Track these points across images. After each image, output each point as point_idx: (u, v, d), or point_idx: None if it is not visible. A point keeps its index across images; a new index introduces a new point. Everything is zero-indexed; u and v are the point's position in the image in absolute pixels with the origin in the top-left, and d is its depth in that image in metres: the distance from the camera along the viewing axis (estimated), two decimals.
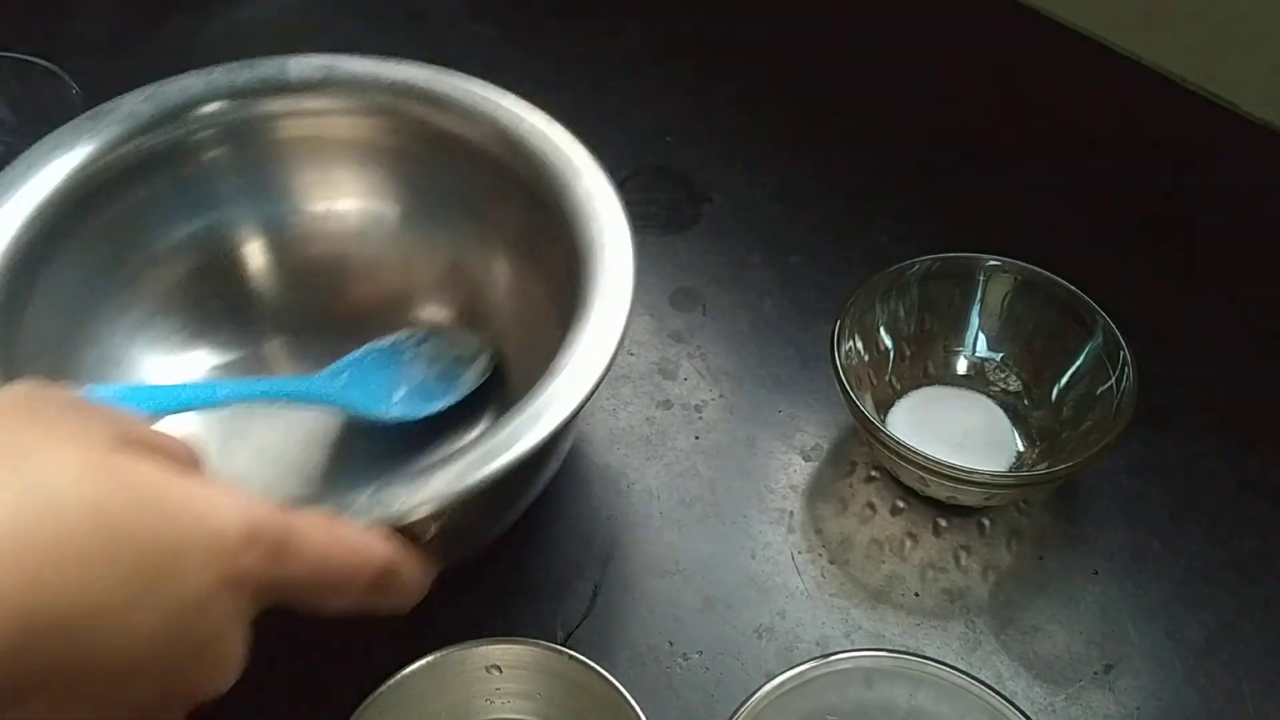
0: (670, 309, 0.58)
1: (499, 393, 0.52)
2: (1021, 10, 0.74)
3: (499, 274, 0.53)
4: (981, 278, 0.53)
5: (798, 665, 0.38)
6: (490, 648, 0.39)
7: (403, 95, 0.50)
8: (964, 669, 0.38)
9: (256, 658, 0.48)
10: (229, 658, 0.28)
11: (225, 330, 0.53)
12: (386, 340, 0.51)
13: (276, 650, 0.47)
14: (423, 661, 0.39)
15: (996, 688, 0.38)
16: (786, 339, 0.57)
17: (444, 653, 0.39)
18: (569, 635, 0.47)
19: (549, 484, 0.49)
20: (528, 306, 0.51)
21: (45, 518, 0.23)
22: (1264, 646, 0.47)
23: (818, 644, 0.47)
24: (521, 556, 0.50)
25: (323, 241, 0.54)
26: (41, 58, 0.60)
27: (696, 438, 0.54)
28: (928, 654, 0.42)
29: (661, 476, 0.52)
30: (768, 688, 0.38)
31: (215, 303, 0.53)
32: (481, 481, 0.37)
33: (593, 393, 0.40)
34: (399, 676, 0.38)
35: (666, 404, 0.54)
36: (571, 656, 0.39)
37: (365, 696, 0.37)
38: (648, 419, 0.54)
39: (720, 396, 0.55)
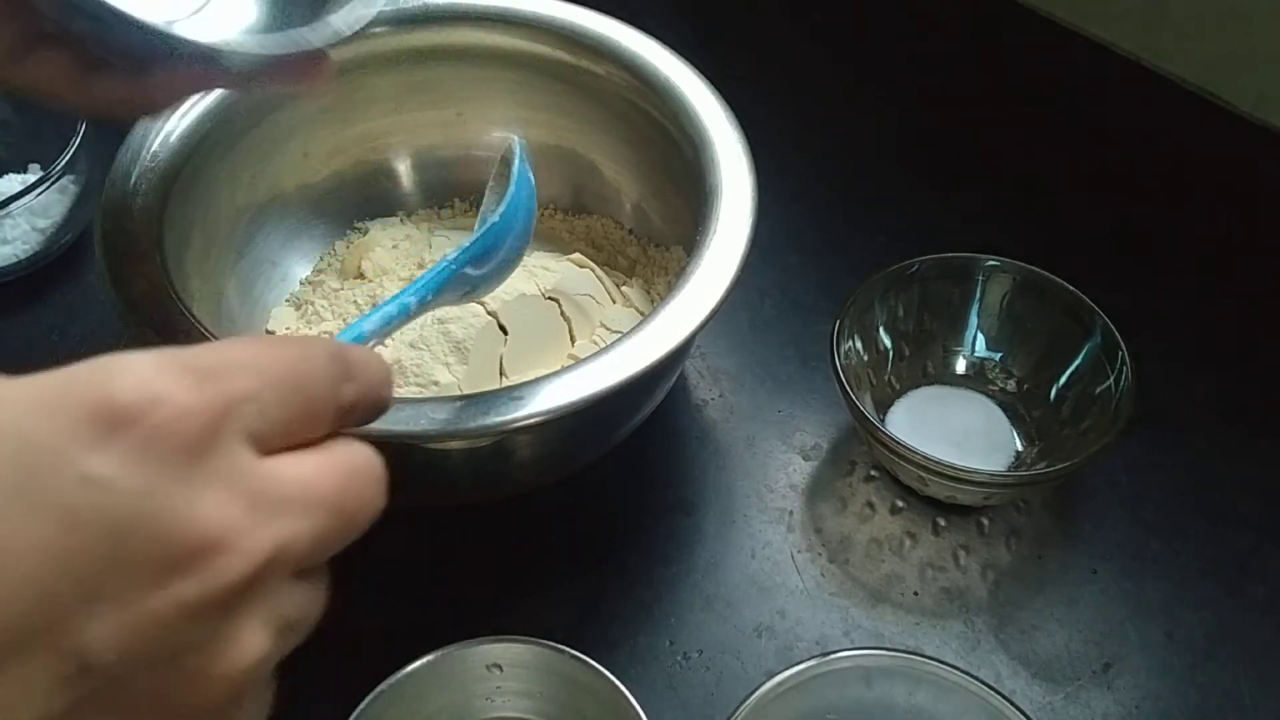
0: None
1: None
2: (1021, 10, 0.74)
3: (623, 197, 0.58)
4: (981, 278, 0.53)
5: (797, 664, 0.38)
6: (491, 646, 0.39)
7: (546, 31, 0.54)
8: (963, 668, 0.38)
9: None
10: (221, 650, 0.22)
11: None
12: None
13: None
14: (424, 660, 0.39)
15: (995, 686, 0.38)
16: (786, 339, 0.57)
17: (445, 651, 0.39)
18: (569, 634, 0.47)
19: (549, 484, 0.49)
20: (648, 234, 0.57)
21: None
22: (1262, 646, 0.47)
23: (817, 643, 0.47)
24: (522, 555, 0.50)
25: (458, 155, 0.59)
26: None
27: (697, 437, 0.54)
28: (927, 653, 0.42)
29: (661, 476, 0.52)
30: (767, 686, 0.38)
31: (359, 203, 0.59)
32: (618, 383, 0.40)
33: (710, 318, 0.42)
34: (400, 675, 0.38)
35: (666, 404, 0.54)
36: (572, 655, 0.39)
37: (366, 694, 0.38)
38: (648, 419, 0.54)
39: (720, 396, 0.55)
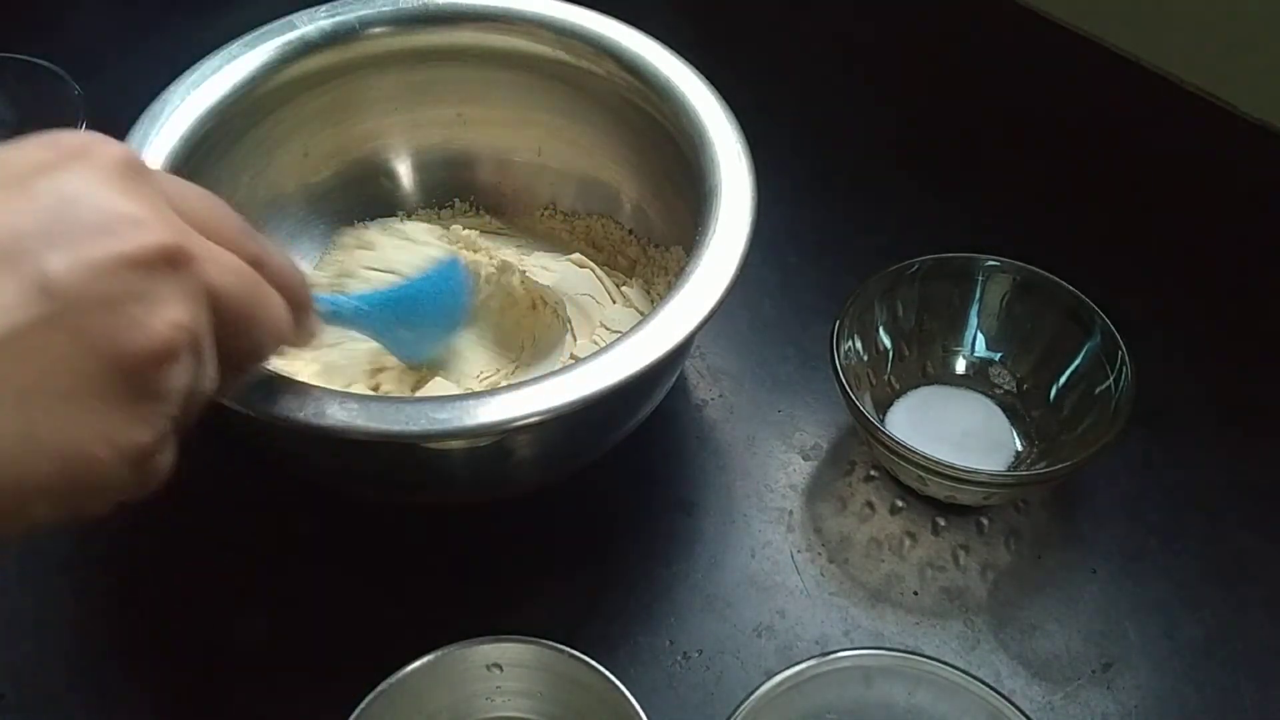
0: None
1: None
2: (1021, 10, 0.74)
3: (623, 197, 0.58)
4: (980, 278, 0.53)
5: (797, 664, 0.38)
6: (491, 646, 0.39)
7: (546, 31, 0.54)
8: (962, 667, 0.38)
9: (258, 654, 0.48)
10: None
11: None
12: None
13: (277, 648, 0.47)
14: (424, 660, 0.39)
15: (995, 686, 0.38)
16: (786, 339, 0.57)
17: (445, 651, 0.39)
18: (569, 634, 0.47)
19: (549, 484, 0.49)
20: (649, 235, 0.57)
21: None
22: (1262, 645, 0.47)
23: (817, 642, 0.47)
24: (522, 555, 0.50)
25: (458, 155, 0.60)
26: (44, 59, 0.61)
27: (696, 437, 0.54)
28: (926, 652, 0.42)
29: (661, 476, 0.52)
30: (767, 686, 0.38)
31: (359, 203, 0.59)
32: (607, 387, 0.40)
33: (708, 318, 0.42)
34: (400, 674, 0.38)
35: (666, 404, 0.54)
36: (572, 655, 0.39)
37: (366, 694, 0.38)
38: (648, 419, 0.54)
39: (720, 396, 0.55)
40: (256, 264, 0.32)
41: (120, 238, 0.27)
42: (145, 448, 0.28)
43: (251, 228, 0.33)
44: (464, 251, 0.55)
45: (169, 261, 0.28)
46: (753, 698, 0.37)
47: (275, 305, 0.33)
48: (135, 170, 0.29)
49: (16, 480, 0.26)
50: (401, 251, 0.55)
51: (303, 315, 0.36)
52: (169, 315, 0.28)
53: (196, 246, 0.29)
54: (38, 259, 0.26)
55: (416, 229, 0.57)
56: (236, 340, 0.31)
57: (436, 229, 0.57)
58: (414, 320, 0.47)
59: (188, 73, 0.50)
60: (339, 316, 0.43)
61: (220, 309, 0.30)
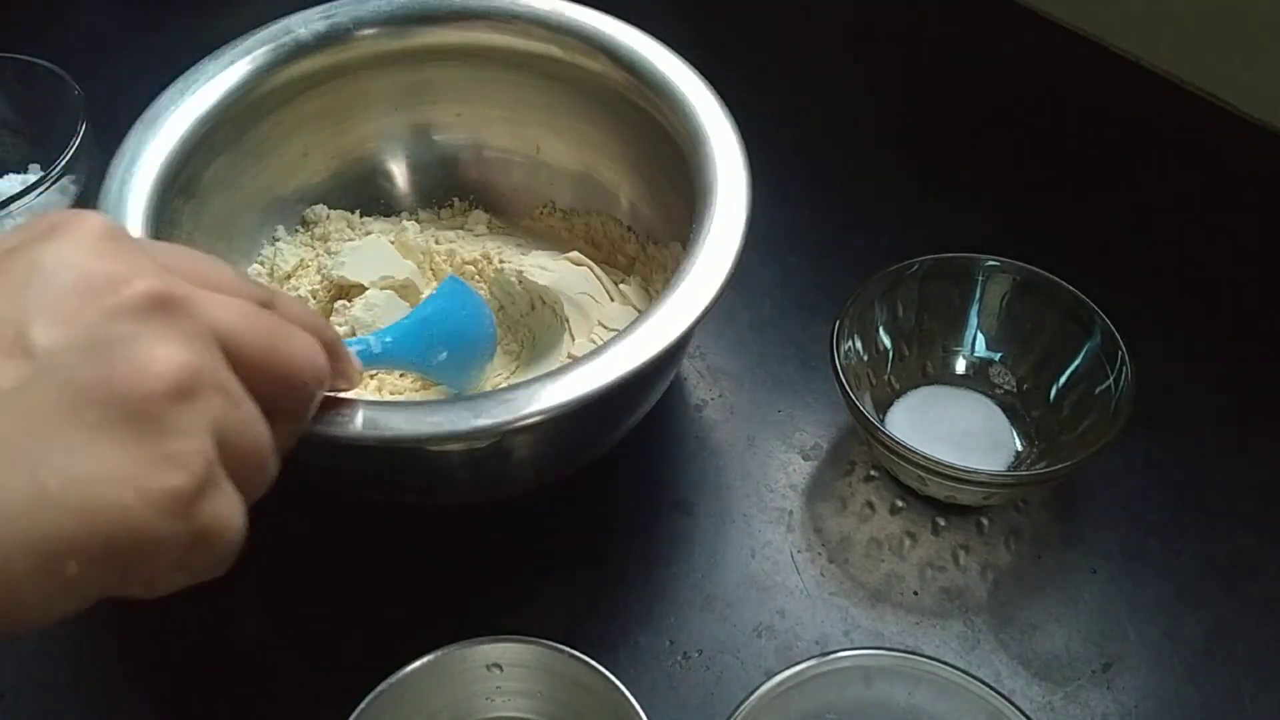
0: None
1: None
2: (1021, 10, 0.74)
3: (621, 194, 0.58)
4: (980, 278, 0.53)
5: (797, 664, 0.38)
6: (491, 646, 0.39)
7: (543, 30, 0.54)
8: (962, 667, 0.38)
9: (258, 654, 0.48)
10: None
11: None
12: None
13: (277, 648, 0.47)
14: (424, 660, 0.39)
15: (995, 686, 0.38)
16: (786, 339, 0.57)
17: (445, 651, 0.39)
18: (569, 634, 0.47)
19: (549, 484, 0.49)
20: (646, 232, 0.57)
21: None
22: (1262, 645, 0.47)
23: (817, 642, 0.47)
24: (522, 555, 0.50)
25: (458, 155, 0.60)
26: (44, 59, 0.61)
27: (696, 437, 0.54)
28: (926, 652, 0.42)
29: (660, 476, 0.52)
30: (767, 686, 0.38)
31: (358, 204, 0.59)
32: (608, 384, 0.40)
33: (706, 313, 0.42)
34: (400, 675, 0.38)
35: (666, 404, 0.55)
36: (572, 655, 0.39)
37: (366, 694, 0.38)
38: (647, 419, 0.54)
39: (720, 396, 0.55)
40: (266, 306, 0.32)
41: (100, 292, 0.27)
42: (180, 492, 0.26)
43: (253, 279, 0.33)
44: (429, 247, 0.56)
45: (157, 306, 0.27)
46: (753, 698, 0.37)
47: (301, 338, 0.32)
48: (114, 236, 0.29)
49: (38, 539, 0.25)
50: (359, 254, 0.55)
51: (335, 356, 0.35)
52: (164, 351, 0.27)
53: (188, 291, 0.28)
54: (18, 329, 0.26)
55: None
56: (267, 380, 0.30)
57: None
58: (446, 338, 0.46)
59: (185, 75, 0.50)
60: (374, 357, 0.43)
61: (233, 347, 0.29)
